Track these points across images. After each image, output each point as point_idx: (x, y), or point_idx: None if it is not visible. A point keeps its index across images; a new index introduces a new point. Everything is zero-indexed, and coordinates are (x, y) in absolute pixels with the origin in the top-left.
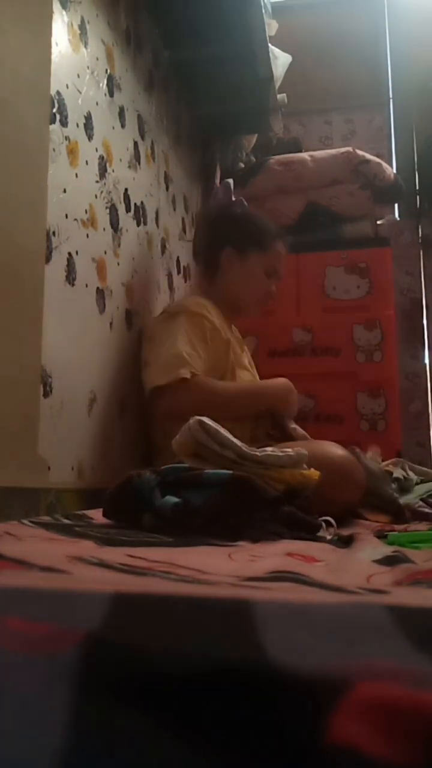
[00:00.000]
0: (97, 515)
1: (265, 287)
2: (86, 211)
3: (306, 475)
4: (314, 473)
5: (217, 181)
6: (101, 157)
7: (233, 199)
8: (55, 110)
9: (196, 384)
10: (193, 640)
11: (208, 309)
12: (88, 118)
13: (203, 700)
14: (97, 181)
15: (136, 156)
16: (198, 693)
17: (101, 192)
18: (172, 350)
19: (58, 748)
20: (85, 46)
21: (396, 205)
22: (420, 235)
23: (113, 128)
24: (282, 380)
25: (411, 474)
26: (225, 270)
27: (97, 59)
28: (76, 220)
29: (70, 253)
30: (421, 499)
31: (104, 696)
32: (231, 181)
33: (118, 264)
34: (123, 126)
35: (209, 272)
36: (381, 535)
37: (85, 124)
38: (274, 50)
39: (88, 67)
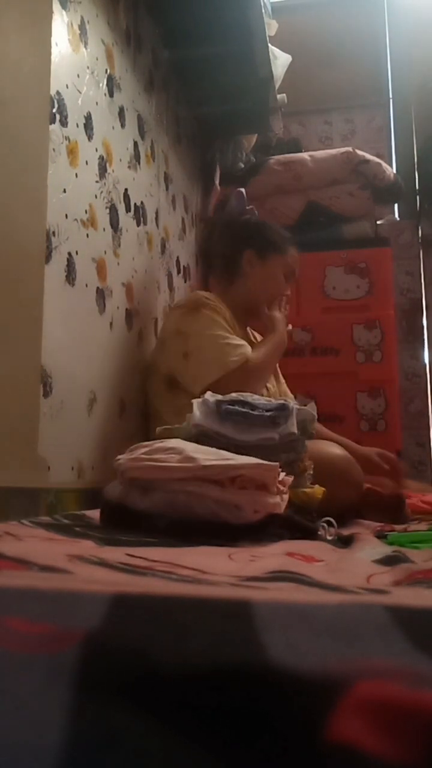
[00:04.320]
0: (97, 515)
1: (282, 289)
2: (86, 211)
3: (309, 493)
4: (318, 490)
5: (217, 180)
6: (101, 157)
7: (247, 207)
8: (55, 110)
9: (251, 363)
10: (192, 640)
11: (219, 305)
12: (88, 118)
13: (203, 699)
14: (97, 181)
15: (136, 156)
16: (198, 693)
17: (101, 192)
18: (219, 341)
19: (57, 748)
20: (85, 46)
21: (396, 205)
22: (420, 235)
23: (113, 128)
24: (278, 330)
25: None
26: (246, 272)
27: (97, 59)
28: (76, 220)
29: (70, 253)
30: None
31: (103, 695)
32: (244, 190)
33: (118, 264)
34: (123, 126)
35: (228, 275)
36: (381, 535)
37: (85, 124)
38: (274, 50)
39: (88, 67)
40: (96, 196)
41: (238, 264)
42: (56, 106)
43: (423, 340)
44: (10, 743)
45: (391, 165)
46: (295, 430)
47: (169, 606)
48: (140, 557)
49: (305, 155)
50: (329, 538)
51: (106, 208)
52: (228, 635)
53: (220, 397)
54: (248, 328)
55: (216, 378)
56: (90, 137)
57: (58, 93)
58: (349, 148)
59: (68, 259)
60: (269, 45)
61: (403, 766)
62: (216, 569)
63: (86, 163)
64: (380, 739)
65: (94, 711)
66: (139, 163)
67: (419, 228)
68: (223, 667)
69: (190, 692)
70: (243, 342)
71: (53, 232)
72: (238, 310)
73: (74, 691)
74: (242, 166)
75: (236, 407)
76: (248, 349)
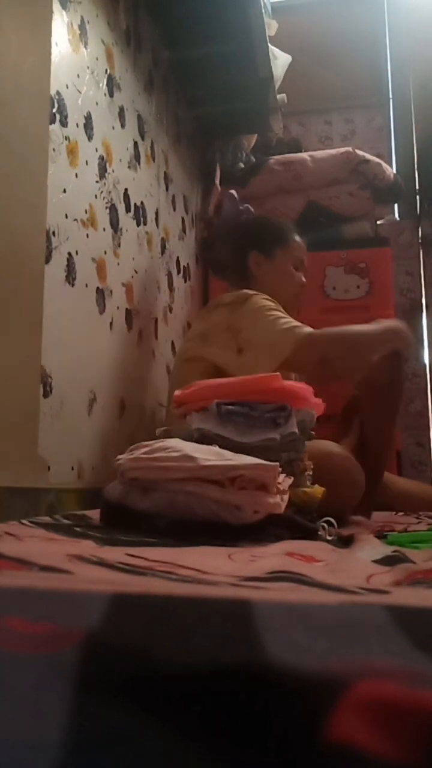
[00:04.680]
0: (97, 515)
1: (297, 280)
2: (86, 211)
3: (309, 493)
4: (318, 490)
5: (217, 180)
6: (101, 157)
7: (240, 208)
8: (55, 110)
9: (320, 334)
10: (192, 640)
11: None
12: (88, 118)
13: (203, 699)
14: (97, 181)
15: (136, 156)
16: (198, 692)
17: (101, 192)
18: (271, 329)
19: (56, 747)
20: (85, 46)
21: (396, 205)
22: (420, 235)
23: (113, 128)
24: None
25: None
26: (255, 274)
27: (97, 59)
28: (76, 220)
29: (70, 253)
30: None
31: (104, 695)
32: (235, 192)
33: (118, 264)
34: (123, 126)
35: (241, 282)
36: (381, 535)
37: (85, 124)
38: (274, 50)
39: (88, 67)
40: (96, 196)
41: (246, 268)
42: (56, 106)
43: (423, 340)
44: (10, 742)
45: (391, 165)
46: (295, 429)
47: (168, 606)
48: (140, 557)
49: (305, 155)
50: (329, 538)
51: (106, 208)
52: (228, 635)
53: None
54: None
55: (271, 369)
56: (90, 137)
57: (58, 93)
58: (349, 148)
59: (68, 259)
60: (269, 45)
61: (403, 765)
62: (216, 569)
63: (86, 163)
64: (380, 739)
65: (94, 710)
66: (139, 163)
67: (419, 228)
68: (223, 667)
69: (190, 692)
70: (296, 324)
71: (53, 232)
72: None
73: (74, 690)
74: (242, 166)
75: (236, 407)
76: (303, 329)
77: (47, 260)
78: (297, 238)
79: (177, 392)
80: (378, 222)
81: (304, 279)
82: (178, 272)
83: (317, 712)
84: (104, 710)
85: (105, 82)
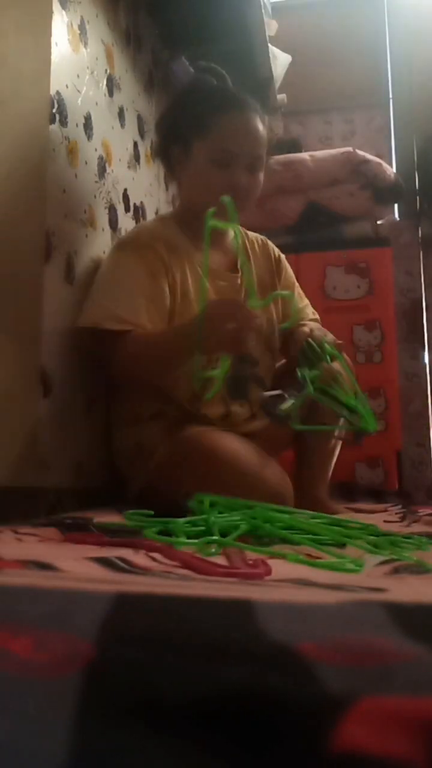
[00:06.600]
0: (96, 516)
1: (216, 180)
2: (85, 212)
3: None
4: None
5: None
6: (100, 158)
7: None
8: (54, 110)
9: (130, 339)
10: (196, 659)
11: (162, 239)
12: (88, 118)
13: (207, 718)
14: (96, 182)
15: (136, 156)
16: (202, 713)
17: (100, 192)
18: (109, 293)
19: (62, 761)
20: (85, 46)
21: (396, 205)
22: (420, 235)
23: (113, 128)
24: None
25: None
26: (179, 177)
27: (97, 59)
28: (75, 220)
29: (69, 253)
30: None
31: (108, 715)
32: (183, 57)
33: None
34: (123, 126)
35: (176, 187)
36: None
37: (84, 124)
38: (274, 50)
39: (87, 67)
40: (95, 196)
41: (172, 171)
42: (56, 106)
43: (423, 340)
44: (16, 757)
45: (391, 165)
46: None
47: (170, 611)
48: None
49: (305, 155)
50: None
51: (105, 208)
52: (231, 647)
53: None
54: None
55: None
56: (89, 137)
57: (58, 93)
58: (350, 148)
59: (67, 259)
60: (269, 45)
61: (407, 764)
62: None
63: (86, 163)
64: (384, 742)
65: (99, 727)
66: (138, 163)
67: (419, 228)
68: (228, 690)
69: (193, 712)
70: (141, 307)
71: (53, 232)
72: (189, 224)
73: (79, 712)
74: None
75: None
76: (142, 317)
77: (46, 260)
78: (230, 117)
79: None
80: (378, 222)
81: (244, 179)
82: None
83: (323, 727)
84: (109, 727)
85: (105, 82)
